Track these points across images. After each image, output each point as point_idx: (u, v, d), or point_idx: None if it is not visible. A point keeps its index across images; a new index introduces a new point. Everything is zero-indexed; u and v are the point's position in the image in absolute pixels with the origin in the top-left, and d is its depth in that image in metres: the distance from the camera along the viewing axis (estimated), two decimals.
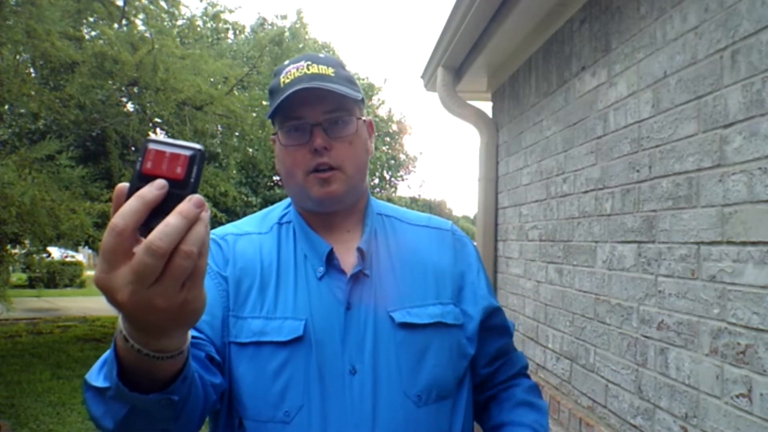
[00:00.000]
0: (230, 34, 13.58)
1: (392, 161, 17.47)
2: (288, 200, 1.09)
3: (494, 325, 1.08)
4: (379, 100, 16.93)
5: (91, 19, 6.26)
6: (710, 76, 1.46)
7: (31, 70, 6.14)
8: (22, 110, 6.55)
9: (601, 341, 2.03)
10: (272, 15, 34.51)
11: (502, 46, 2.99)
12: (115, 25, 6.13)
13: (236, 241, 1.02)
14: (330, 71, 0.98)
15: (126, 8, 6.08)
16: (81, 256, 18.50)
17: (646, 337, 1.73)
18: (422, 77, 4.02)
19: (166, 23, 7.23)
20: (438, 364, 0.96)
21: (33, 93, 5.40)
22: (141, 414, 0.68)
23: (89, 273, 18.05)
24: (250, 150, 8.68)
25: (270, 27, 14.89)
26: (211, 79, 6.92)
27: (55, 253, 8.98)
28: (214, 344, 0.91)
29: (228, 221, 1.48)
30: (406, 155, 18.37)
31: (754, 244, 1.28)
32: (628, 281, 1.85)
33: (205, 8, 12.07)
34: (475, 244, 1.16)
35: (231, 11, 16.31)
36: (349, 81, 1.01)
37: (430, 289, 1.01)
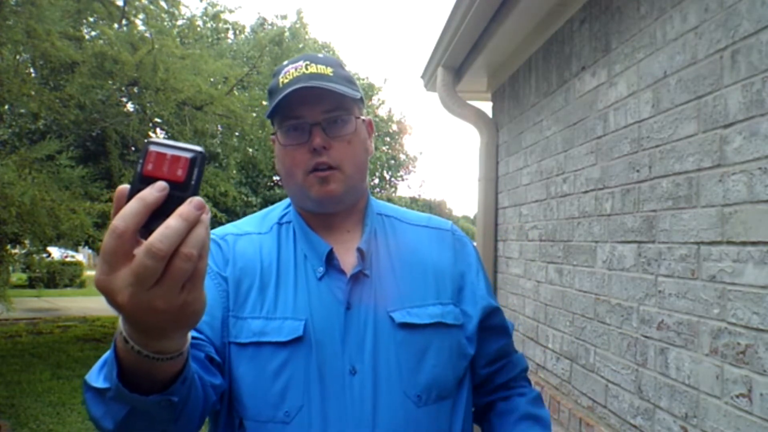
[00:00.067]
0: (230, 34, 13.58)
1: (392, 161, 17.47)
2: (288, 200, 1.09)
3: (493, 325, 1.08)
4: (379, 100, 16.93)
5: (91, 19, 6.26)
6: (710, 76, 1.46)
7: (31, 70, 6.14)
8: (22, 110, 6.56)
9: (601, 341, 2.03)
10: (272, 15, 34.53)
11: (502, 46, 2.99)
12: (115, 25, 6.14)
13: (236, 241, 1.02)
14: (329, 71, 0.98)
15: (126, 8, 6.08)
16: (81, 256, 18.50)
17: (646, 337, 1.73)
18: (422, 77, 4.02)
19: (166, 23, 7.23)
20: (438, 364, 0.96)
21: (33, 93, 5.41)
22: (141, 415, 0.68)
23: (89, 273, 18.07)
24: (250, 150, 8.68)
25: (270, 27, 14.89)
26: (211, 79, 6.93)
27: (55, 253, 8.97)
28: (214, 345, 0.91)
29: (228, 221, 1.48)
30: (406, 155, 18.38)
31: (754, 244, 1.28)
32: (628, 281, 1.85)
33: (205, 8, 12.08)
34: (474, 244, 1.15)
35: (231, 11, 16.33)
36: (348, 80, 1.01)
37: (430, 289, 1.01)
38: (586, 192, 2.17)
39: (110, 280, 0.51)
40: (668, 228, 1.62)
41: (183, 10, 10.23)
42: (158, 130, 7.61)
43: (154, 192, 0.50)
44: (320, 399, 0.90)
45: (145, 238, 0.50)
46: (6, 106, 6.29)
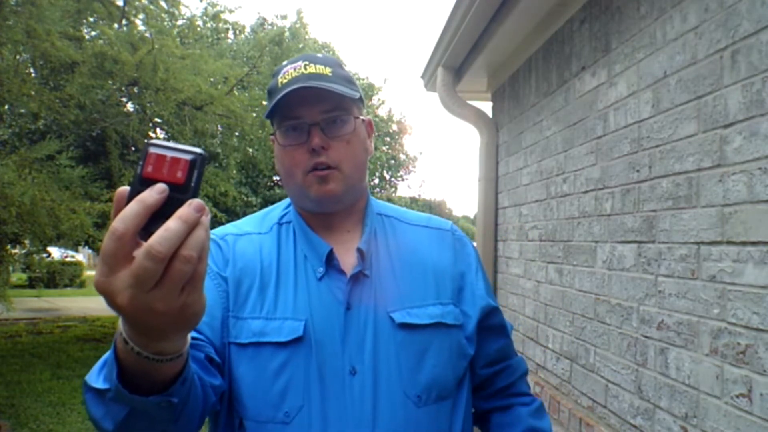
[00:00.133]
0: (230, 34, 13.57)
1: (392, 161, 17.47)
2: (288, 200, 1.09)
3: (492, 325, 1.08)
4: (379, 100, 16.92)
5: (91, 19, 6.26)
6: (710, 76, 1.46)
7: (31, 70, 6.14)
8: (22, 110, 6.56)
9: (601, 341, 2.03)
10: (272, 15, 34.52)
11: (502, 46, 2.99)
12: (115, 25, 6.13)
13: (236, 242, 1.02)
14: (328, 71, 0.98)
15: (126, 8, 6.08)
16: (81, 256, 18.50)
17: (646, 337, 1.73)
18: (422, 77, 4.02)
19: (166, 23, 7.23)
20: (438, 365, 0.96)
21: (33, 93, 5.40)
22: (141, 416, 0.68)
23: (89, 273, 18.07)
24: (250, 150, 8.68)
25: (270, 27, 14.89)
26: (211, 79, 6.92)
27: (55, 253, 8.97)
28: (214, 345, 0.91)
29: (228, 221, 1.48)
30: (406, 155, 18.37)
31: (754, 244, 1.28)
32: (628, 281, 1.85)
33: (205, 8, 12.07)
34: (474, 244, 1.15)
35: (231, 11, 16.32)
36: (348, 80, 1.01)
37: (430, 289, 1.01)
38: (586, 192, 2.17)
39: (110, 281, 0.51)
40: (668, 228, 1.62)
41: (183, 10, 10.23)
42: (158, 130, 7.61)
43: (153, 194, 0.50)
44: (320, 399, 0.90)
45: (145, 240, 0.50)
46: (6, 106, 6.29)
